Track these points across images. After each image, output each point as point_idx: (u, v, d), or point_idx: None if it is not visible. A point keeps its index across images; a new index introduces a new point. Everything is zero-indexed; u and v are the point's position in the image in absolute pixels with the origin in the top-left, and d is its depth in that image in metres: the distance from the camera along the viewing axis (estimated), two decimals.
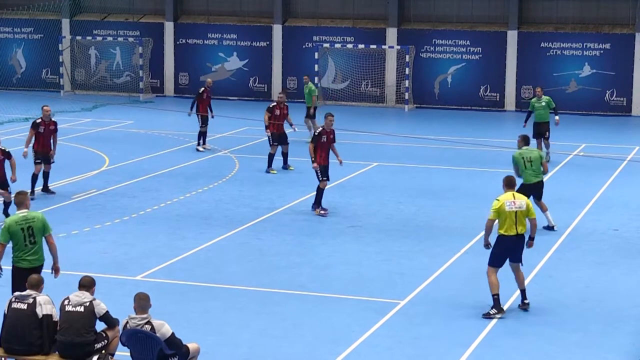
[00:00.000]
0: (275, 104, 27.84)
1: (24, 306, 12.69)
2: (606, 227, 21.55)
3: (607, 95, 39.79)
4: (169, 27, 44.30)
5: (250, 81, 43.32)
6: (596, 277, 17.93)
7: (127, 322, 12.21)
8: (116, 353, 12.93)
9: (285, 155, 27.36)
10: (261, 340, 14.64)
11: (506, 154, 29.44)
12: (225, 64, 43.58)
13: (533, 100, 29.60)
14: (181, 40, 44.24)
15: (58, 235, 20.07)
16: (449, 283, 17.36)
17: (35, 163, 23.61)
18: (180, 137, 30.64)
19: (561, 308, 16.16)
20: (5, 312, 12.86)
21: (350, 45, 41.90)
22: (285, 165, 27.40)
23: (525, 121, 29.30)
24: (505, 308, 15.90)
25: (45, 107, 23.91)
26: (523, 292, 16.12)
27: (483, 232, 19.63)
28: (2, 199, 20.99)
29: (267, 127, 27.27)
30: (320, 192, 22.36)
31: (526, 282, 17.29)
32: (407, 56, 41.00)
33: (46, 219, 14.64)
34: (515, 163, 20.74)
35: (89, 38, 44.81)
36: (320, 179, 22.26)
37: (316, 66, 41.81)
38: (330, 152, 22.55)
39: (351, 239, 20.46)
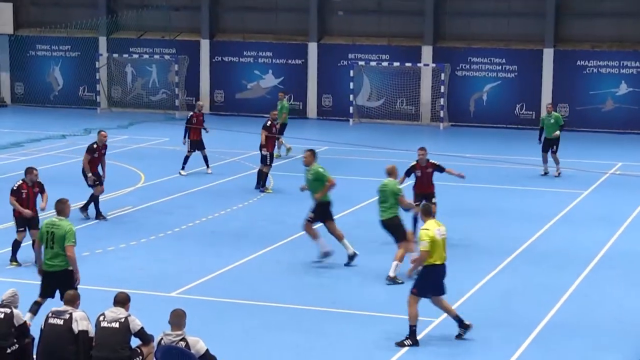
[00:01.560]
0: (271, 122, 27.60)
1: (60, 322, 12.79)
2: None
3: None
4: (204, 45, 44.53)
5: (286, 99, 43.33)
6: (631, 298, 17.79)
7: (161, 339, 12.26)
8: None
9: (266, 175, 27.13)
10: (296, 358, 14.65)
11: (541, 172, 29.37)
12: (261, 82, 43.74)
13: (543, 116, 29.78)
14: (217, 58, 44.46)
15: (95, 252, 20.26)
16: (484, 301, 17.29)
17: (96, 185, 23.25)
18: (215, 154, 30.74)
19: (595, 328, 16.06)
20: (42, 327, 12.97)
21: (385, 63, 41.93)
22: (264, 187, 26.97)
23: (539, 138, 29.55)
24: (541, 326, 15.84)
25: (102, 133, 23.66)
26: (457, 317, 15.51)
27: (519, 251, 19.57)
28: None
29: (264, 147, 26.96)
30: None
31: (561, 300, 17.27)
32: (443, 74, 40.97)
33: (72, 230, 15.02)
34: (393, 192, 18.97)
35: (125, 56, 45.14)
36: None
37: (351, 84, 41.86)
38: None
39: (385, 256, 20.40)
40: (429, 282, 15.22)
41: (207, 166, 29.53)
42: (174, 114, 43.41)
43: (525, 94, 40.65)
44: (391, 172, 19.18)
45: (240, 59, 44.21)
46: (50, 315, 12.95)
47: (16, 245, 19.40)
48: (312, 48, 43.17)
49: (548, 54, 40.35)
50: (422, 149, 21.66)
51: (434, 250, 15.03)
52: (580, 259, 20.14)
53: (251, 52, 44.06)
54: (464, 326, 15.47)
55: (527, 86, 40.63)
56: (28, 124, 40.05)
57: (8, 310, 13.25)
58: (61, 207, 15.33)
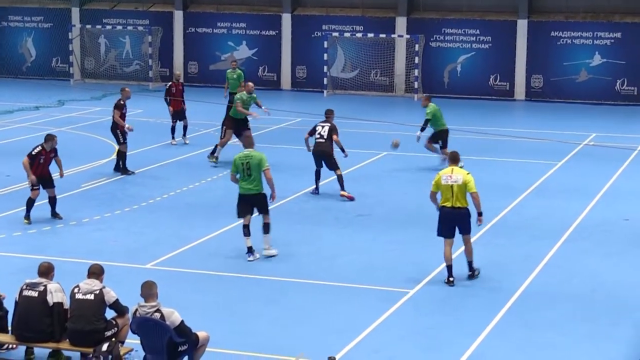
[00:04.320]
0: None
1: (34, 294, 12.75)
2: (616, 217, 21.51)
3: (617, 84, 39.69)
4: (178, 16, 44.29)
5: (260, 70, 43.29)
6: (606, 268, 17.90)
7: (136, 310, 12.24)
8: (126, 341, 12.98)
9: None
10: (271, 329, 14.66)
11: (516, 143, 29.47)
12: (235, 53, 43.55)
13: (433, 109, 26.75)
14: (190, 29, 44.23)
15: (69, 223, 20.21)
16: (458, 273, 17.33)
17: (125, 142, 25.14)
18: (189, 126, 30.61)
19: (570, 299, 16.15)
20: (17, 299, 12.92)
21: (359, 34, 41.84)
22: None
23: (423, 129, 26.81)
24: (515, 297, 15.95)
25: (127, 89, 25.78)
26: (469, 263, 16.93)
27: (492, 222, 19.76)
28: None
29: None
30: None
31: (535, 271, 17.38)
32: (417, 45, 40.93)
33: (265, 157, 17.94)
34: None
35: (98, 27, 44.85)
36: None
37: (325, 55, 41.77)
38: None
39: (360, 228, 20.47)
40: (439, 221, 16.87)
41: (184, 135, 29.72)
42: (148, 86, 43.23)
43: (500, 65, 40.69)
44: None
45: (214, 30, 44.01)
46: (24, 287, 12.91)
47: (30, 203, 20.43)
48: (286, 19, 43.02)
49: (522, 25, 40.37)
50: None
51: (441, 193, 16.69)
52: (554, 230, 20.23)
53: (225, 23, 43.85)
54: (470, 275, 17.02)
55: (501, 57, 40.66)
56: (1, 95, 39.75)
57: None
58: (249, 141, 18.42)
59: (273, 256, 18.15)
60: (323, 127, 23.29)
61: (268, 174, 17.91)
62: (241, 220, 18.26)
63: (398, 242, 19.41)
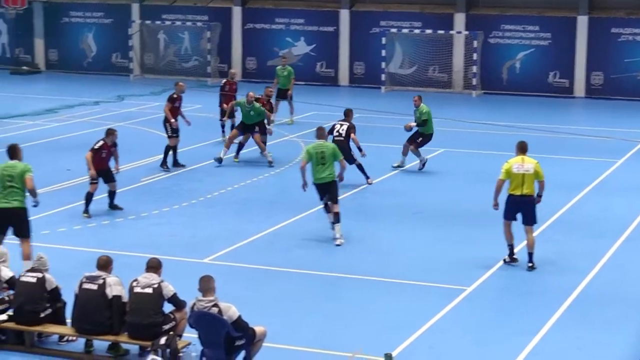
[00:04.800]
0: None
1: (94, 287, 12.89)
2: None
3: None
4: (236, 12, 44.45)
5: (318, 66, 43.30)
6: None
7: (194, 304, 12.31)
8: (184, 334, 13.06)
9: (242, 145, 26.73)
10: (327, 325, 14.68)
11: (576, 141, 29.19)
12: (293, 49, 43.62)
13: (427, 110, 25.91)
14: (249, 25, 44.37)
15: (128, 218, 20.38)
16: (517, 270, 17.23)
17: (173, 136, 25.42)
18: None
19: (629, 298, 15.96)
20: (76, 292, 13.07)
21: (417, 31, 41.68)
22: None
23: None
24: (574, 295, 15.80)
25: (181, 83, 26.34)
26: (530, 255, 17.14)
27: (552, 220, 19.56)
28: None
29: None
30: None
31: (595, 270, 17.21)
32: (475, 41, 40.68)
33: (337, 148, 19.20)
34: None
35: (158, 22, 45.14)
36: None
37: (383, 51, 41.67)
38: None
39: (417, 224, 20.40)
40: (506, 207, 17.32)
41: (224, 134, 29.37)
42: (206, 81, 43.42)
43: (559, 61, 40.31)
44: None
45: (272, 26, 44.10)
46: (84, 280, 13.06)
47: (89, 197, 20.73)
48: (344, 15, 42.99)
49: (582, 22, 39.97)
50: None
51: (511, 181, 17.17)
52: (614, 229, 20.01)
53: (283, 19, 43.93)
54: (529, 267, 17.19)
55: (561, 54, 40.26)
56: (62, 90, 40.22)
57: (40, 275, 13.39)
58: (322, 132, 19.32)
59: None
60: (342, 125, 23.84)
61: (343, 162, 19.27)
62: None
63: (455, 239, 19.31)
